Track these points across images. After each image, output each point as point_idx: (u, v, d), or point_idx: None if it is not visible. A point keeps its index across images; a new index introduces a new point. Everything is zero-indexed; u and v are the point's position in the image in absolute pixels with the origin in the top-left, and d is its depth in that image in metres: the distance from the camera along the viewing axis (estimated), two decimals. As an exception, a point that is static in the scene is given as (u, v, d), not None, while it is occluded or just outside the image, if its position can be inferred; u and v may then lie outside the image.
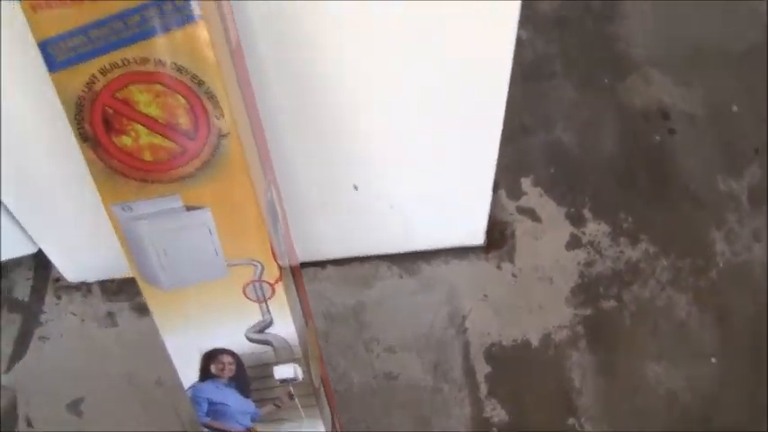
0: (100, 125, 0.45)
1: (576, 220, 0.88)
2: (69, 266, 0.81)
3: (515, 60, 0.61)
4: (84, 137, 0.46)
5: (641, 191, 0.90)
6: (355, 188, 0.75)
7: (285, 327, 0.54)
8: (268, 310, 0.53)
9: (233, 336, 0.54)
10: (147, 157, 0.47)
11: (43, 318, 0.81)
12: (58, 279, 0.83)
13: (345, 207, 0.76)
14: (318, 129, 0.63)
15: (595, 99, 1.02)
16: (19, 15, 0.43)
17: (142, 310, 0.79)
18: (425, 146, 0.69)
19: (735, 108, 0.98)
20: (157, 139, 0.46)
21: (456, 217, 0.83)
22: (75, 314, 0.82)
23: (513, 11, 0.55)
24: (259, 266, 0.52)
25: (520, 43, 0.67)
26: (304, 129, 0.63)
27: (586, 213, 0.89)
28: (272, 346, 0.55)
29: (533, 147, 0.98)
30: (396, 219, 0.80)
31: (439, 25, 0.56)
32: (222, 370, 0.56)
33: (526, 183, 0.94)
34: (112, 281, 0.82)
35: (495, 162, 0.73)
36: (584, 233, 0.87)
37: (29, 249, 0.80)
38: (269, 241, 0.51)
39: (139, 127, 0.46)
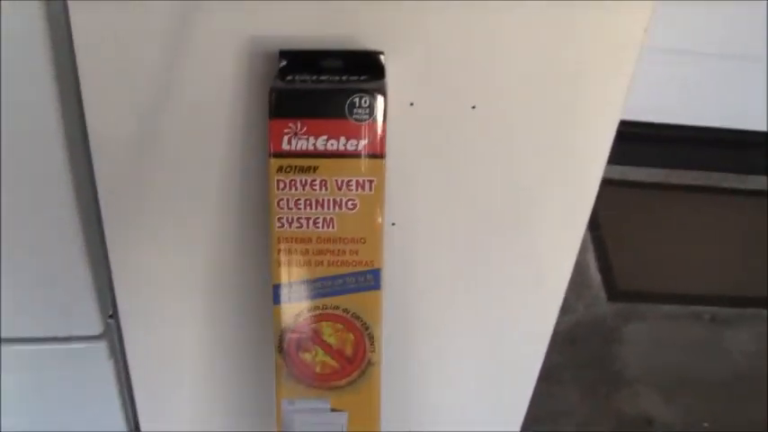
0: (293, 344, 0.70)
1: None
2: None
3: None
4: (280, 349, 0.70)
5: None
6: None
7: None
8: (366, 498, 0.73)
9: None
10: (318, 370, 0.70)
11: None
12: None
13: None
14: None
15: (593, 403, 1.26)
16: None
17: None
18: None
19: (705, 425, 1.22)
20: (328, 359, 0.70)
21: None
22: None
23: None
24: (369, 461, 0.73)
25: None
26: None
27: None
28: None
29: (543, 433, 1.20)
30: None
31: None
32: None
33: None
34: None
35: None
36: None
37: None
38: (380, 443, 0.73)
39: (319, 349, 0.70)
